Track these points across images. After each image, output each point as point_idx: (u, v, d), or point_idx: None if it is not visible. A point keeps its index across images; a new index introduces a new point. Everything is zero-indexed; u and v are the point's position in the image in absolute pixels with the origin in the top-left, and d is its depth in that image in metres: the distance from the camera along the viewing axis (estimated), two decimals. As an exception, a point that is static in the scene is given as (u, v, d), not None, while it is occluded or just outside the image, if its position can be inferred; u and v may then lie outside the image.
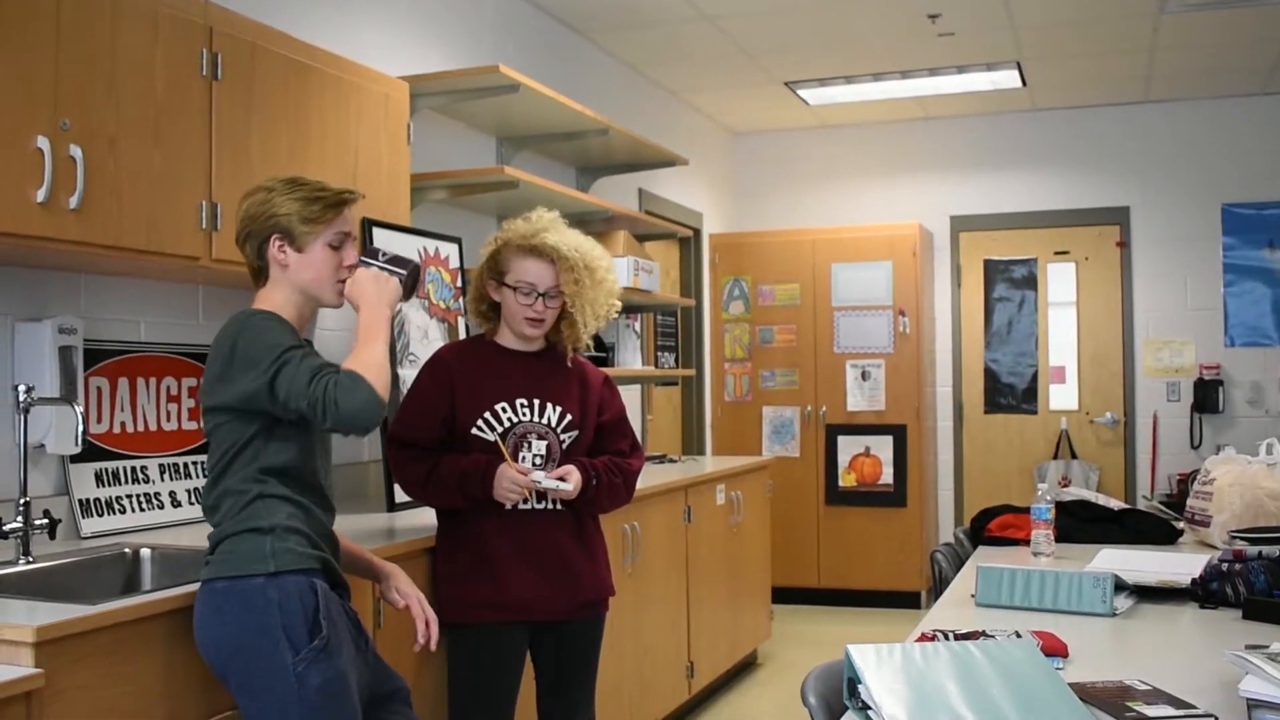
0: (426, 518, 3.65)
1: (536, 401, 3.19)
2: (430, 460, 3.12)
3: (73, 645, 2.15)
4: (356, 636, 2.55)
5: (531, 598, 3.14)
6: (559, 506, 3.17)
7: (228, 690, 2.40)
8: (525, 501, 3.12)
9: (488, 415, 3.13)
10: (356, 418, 2.33)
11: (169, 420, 3.41)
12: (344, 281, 2.59)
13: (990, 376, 8.17)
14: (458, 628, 3.14)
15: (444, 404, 3.15)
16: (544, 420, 3.18)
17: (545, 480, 3.06)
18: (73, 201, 2.64)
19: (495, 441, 3.10)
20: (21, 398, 2.81)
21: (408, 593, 2.87)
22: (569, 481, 3.09)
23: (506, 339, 3.27)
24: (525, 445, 3.15)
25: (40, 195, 2.57)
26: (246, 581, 2.35)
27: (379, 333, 2.49)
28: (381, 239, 3.73)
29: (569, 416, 3.22)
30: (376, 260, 2.61)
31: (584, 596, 3.24)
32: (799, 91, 7.47)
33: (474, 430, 3.12)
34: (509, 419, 3.15)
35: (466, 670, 3.16)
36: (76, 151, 2.65)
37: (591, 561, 3.27)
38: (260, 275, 2.60)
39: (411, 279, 2.63)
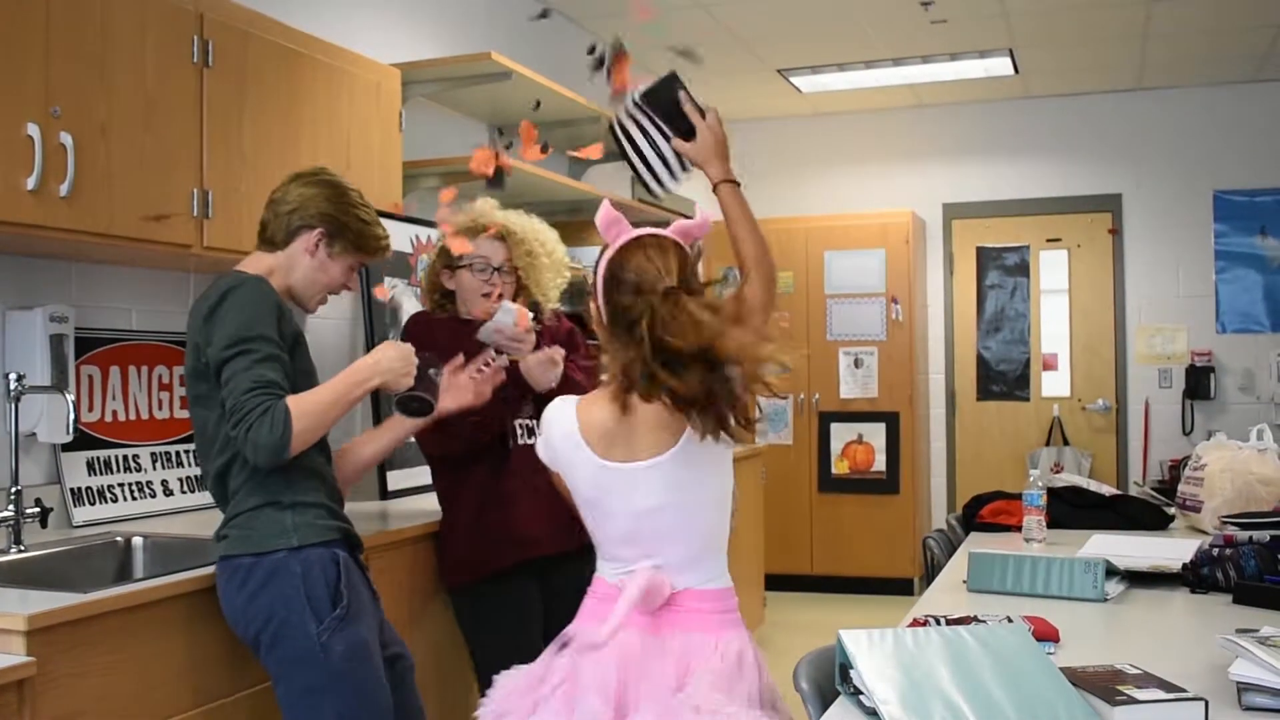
0: (420, 504, 3.66)
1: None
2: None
3: (65, 633, 2.16)
4: (371, 597, 2.61)
5: (541, 534, 3.18)
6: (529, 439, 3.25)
7: (257, 659, 2.48)
8: (530, 436, 3.19)
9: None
10: (259, 451, 2.36)
11: (160, 409, 3.41)
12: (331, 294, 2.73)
13: (983, 363, 8.18)
14: (473, 588, 3.20)
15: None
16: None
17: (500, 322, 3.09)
18: (63, 189, 2.64)
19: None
20: (12, 386, 2.81)
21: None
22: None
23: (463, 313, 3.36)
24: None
25: (31, 183, 2.57)
26: (270, 557, 2.42)
27: (350, 388, 2.51)
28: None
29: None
30: (429, 372, 2.68)
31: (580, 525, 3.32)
32: (792, 79, 7.46)
33: None
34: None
35: (492, 631, 3.19)
36: (67, 139, 2.65)
37: None
38: (270, 241, 2.66)
39: (419, 408, 2.70)
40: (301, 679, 2.41)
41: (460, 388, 2.96)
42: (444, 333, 3.22)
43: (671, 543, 2.22)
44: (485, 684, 3.18)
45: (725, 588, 2.29)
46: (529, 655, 3.15)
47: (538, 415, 2.53)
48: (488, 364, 3.03)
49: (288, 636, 2.40)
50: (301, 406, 2.38)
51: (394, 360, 2.57)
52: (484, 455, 3.19)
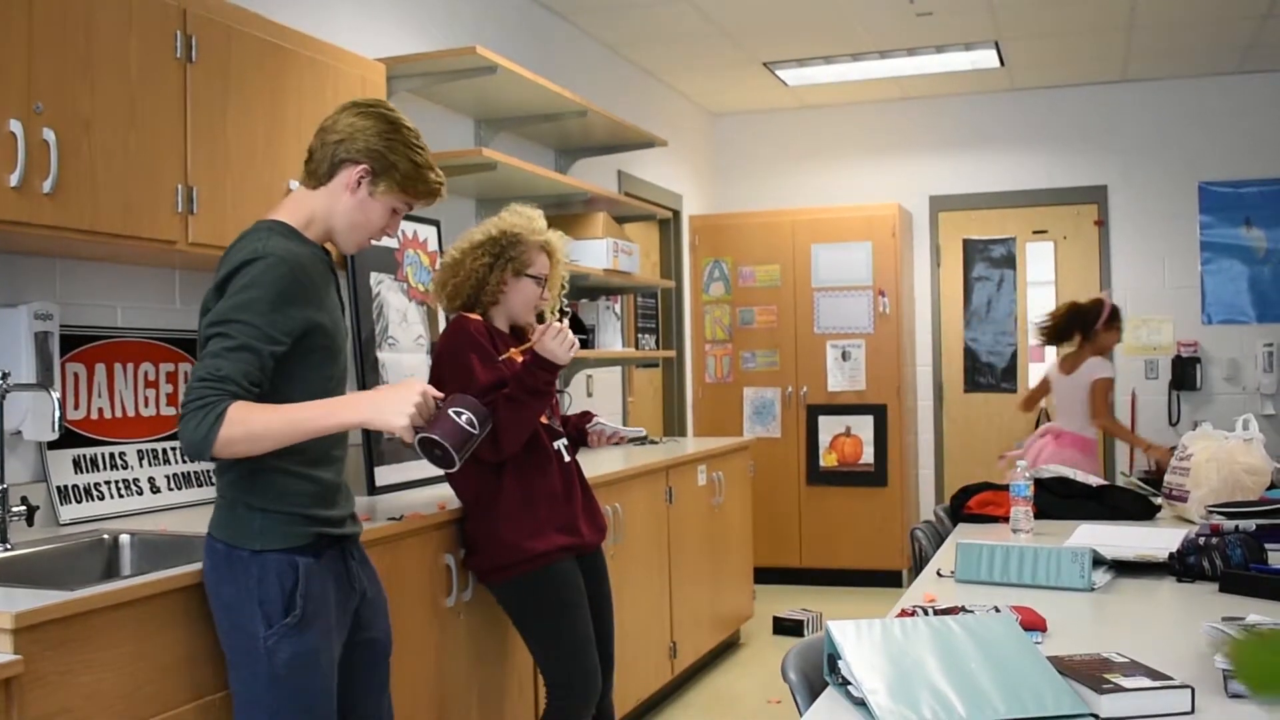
0: (406, 500, 3.66)
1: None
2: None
3: (52, 631, 2.15)
4: (345, 599, 2.57)
5: (584, 526, 3.50)
6: (567, 457, 3.52)
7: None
8: (568, 455, 3.53)
9: None
10: (182, 445, 2.28)
11: (147, 406, 3.40)
12: (373, 241, 2.65)
13: (970, 355, 8.20)
14: (527, 576, 3.36)
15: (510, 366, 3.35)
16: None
17: (627, 430, 3.69)
18: (47, 185, 2.62)
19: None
20: (-3, 384, 2.80)
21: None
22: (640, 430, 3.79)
23: (497, 323, 3.49)
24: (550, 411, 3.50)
25: (13, 179, 2.55)
26: (236, 552, 2.40)
27: (319, 419, 2.34)
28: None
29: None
30: (460, 419, 2.39)
31: (602, 524, 3.65)
32: (778, 72, 7.46)
33: None
34: None
35: (555, 616, 3.38)
36: (50, 135, 2.63)
37: (594, 500, 3.66)
38: (314, 175, 2.56)
39: (441, 457, 2.41)
40: (246, 676, 2.41)
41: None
42: (484, 337, 3.37)
43: None
44: (553, 671, 3.30)
45: None
46: (586, 633, 3.40)
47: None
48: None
49: (237, 633, 2.40)
50: (247, 419, 2.25)
51: (391, 402, 2.34)
52: (526, 457, 3.37)
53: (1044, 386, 6.18)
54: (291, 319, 2.37)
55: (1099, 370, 5.86)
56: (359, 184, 2.53)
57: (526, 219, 3.49)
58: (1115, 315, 5.98)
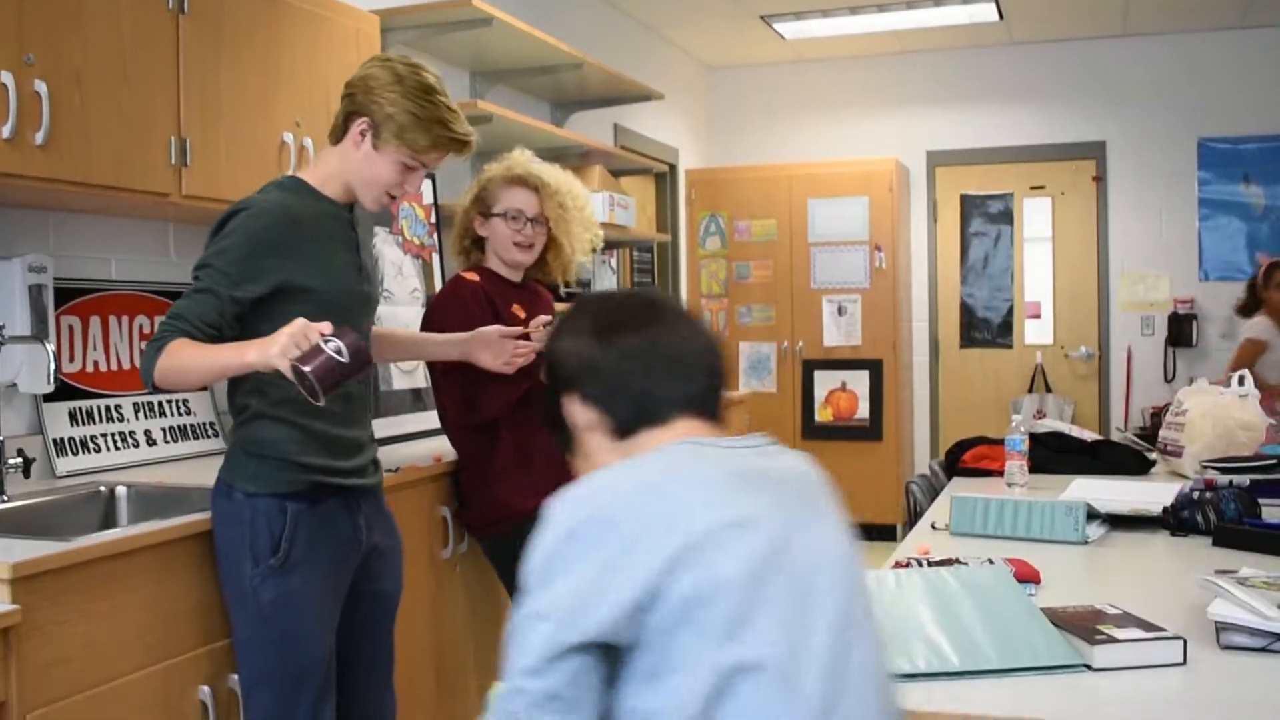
0: (403, 453, 3.66)
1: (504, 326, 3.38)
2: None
3: (49, 581, 2.16)
4: (345, 548, 2.60)
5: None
6: None
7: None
8: None
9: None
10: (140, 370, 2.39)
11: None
12: (393, 198, 2.63)
13: (966, 311, 8.19)
14: (516, 530, 3.22)
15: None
16: None
17: None
18: (39, 137, 2.60)
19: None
20: (-8, 336, 2.79)
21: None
22: None
23: (496, 268, 3.49)
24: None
25: (5, 131, 2.53)
26: (234, 494, 2.48)
27: (230, 358, 2.33)
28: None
29: None
30: (328, 346, 2.24)
31: None
32: (775, 25, 7.40)
33: None
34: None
35: None
36: (42, 87, 2.61)
37: None
38: (333, 130, 2.63)
39: (307, 389, 2.26)
40: (239, 616, 2.50)
41: (502, 351, 3.14)
42: (475, 301, 3.35)
43: None
44: None
45: None
46: None
47: None
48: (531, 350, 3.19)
49: (231, 572, 2.49)
50: (179, 354, 2.31)
51: (275, 340, 2.25)
52: (519, 416, 3.33)
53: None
54: (262, 269, 2.43)
55: (1250, 331, 6.08)
56: (363, 137, 2.55)
57: (506, 160, 3.47)
58: (1270, 271, 6.12)
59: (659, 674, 1.38)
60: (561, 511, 1.46)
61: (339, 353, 2.23)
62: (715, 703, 1.36)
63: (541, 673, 1.38)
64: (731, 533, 1.43)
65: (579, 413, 1.62)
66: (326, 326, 2.27)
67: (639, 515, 1.43)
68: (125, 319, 3.35)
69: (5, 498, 2.75)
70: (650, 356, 1.59)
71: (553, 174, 3.47)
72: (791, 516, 1.55)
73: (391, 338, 3.17)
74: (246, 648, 2.49)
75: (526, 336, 3.23)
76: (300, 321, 2.26)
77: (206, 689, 2.51)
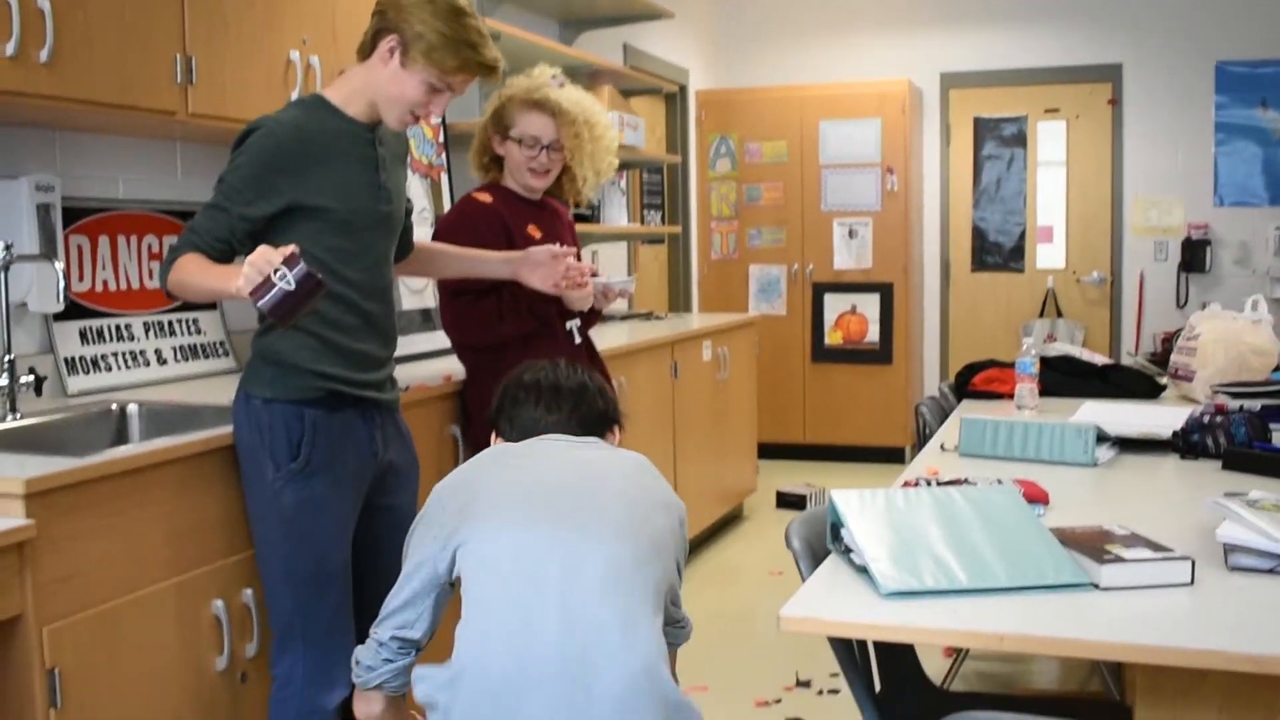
0: (413, 372, 3.65)
1: (559, 245, 3.38)
2: (491, 296, 3.31)
3: (63, 497, 2.17)
4: (362, 459, 2.64)
5: None
6: (578, 339, 3.49)
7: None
8: (580, 337, 3.49)
9: None
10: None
11: (152, 279, 3.39)
12: (417, 118, 2.61)
13: (978, 235, 8.14)
14: None
15: (502, 249, 3.28)
16: None
17: (614, 279, 3.44)
18: (43, 55, 2.57)
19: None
20: (1, 255, 2.78)
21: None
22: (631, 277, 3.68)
23: (512, 187, 3.46)
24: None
25: (9, 49, 2.50)
26: (253, 400, 2.53)
27: (218, 281, 2.35)
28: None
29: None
30: (290, 269, 2.21)
31: None
32: (788, -57, 7.28)
33: None
34: None
35: None
36: (45, 3, 2.57)
37: (608, 381, 3.62)
38: (361, 48, 2.62)
39: (274, 309, 2.23)
40: (261, 521, 2.55)
41: (552, 273, 3.14)
42: (486, 224, 3.33)
43: None
44: None
45: None
46: None
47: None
48: (595, 273, 3.27)
49: (253, 476, 2.54)
50: (185, 267, 2.42)
51: (243, 272, 2.23)
52: (537, 339, 3.34)
53: None
54: (272, 187, 2.47)
55: None
56: (391, 54, 2.54)
57: (526, 80, 3.41)
58: None
59: None
60: None
61: (286, 282, 2.21)
62: None
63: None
64: None
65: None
66: (289, 250, 2.23)
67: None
68: (134, 238, 3.34)
69: (17, 415, 2.76)
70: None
71: (573, 100, 3.40)
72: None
73: (445, 254, 3.18)
74: (270, 551, 2.54)
75: (577, 258, 3.25)
76: (260, 250, 2.24)
77: (220, 603, 2.54)
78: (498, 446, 2.34)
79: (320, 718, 2.57)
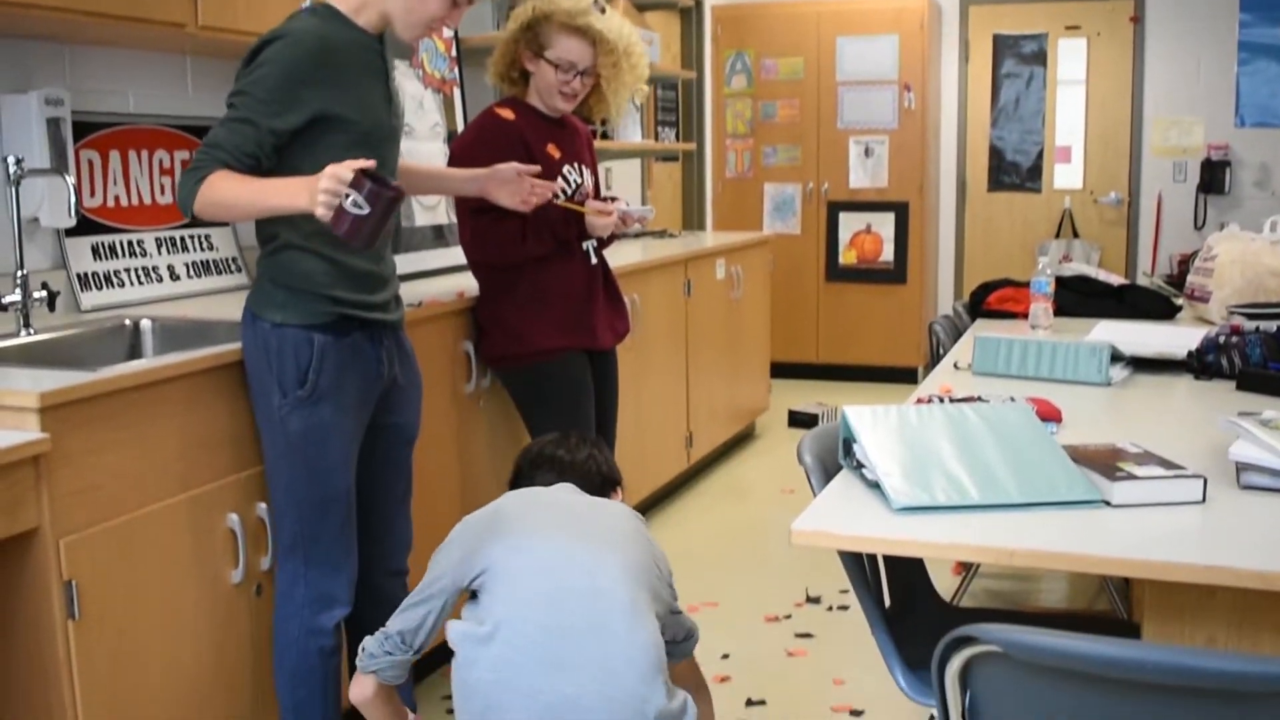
0: (426, 288, 3.65)
1: (577, 164, 3.45)
2: (513, 217, 3.27)
3: (77, 410, 2.18)
4: (369, 381, 2.62)
5: (599, 328, 3.51)
6: (594, 259, 3.50)
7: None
8: (596, 258, 3.51)
9: (560, 180, 3.37)
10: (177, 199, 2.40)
11: (163, 194, 3.37)
12: (432, 32, 2.59)
13: (995, 154, 8.06)
14: (534, 367, 3.42)
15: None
16: (584, 182, 3.48)
17: (633, 207, 3.42)
18: (51, -36, 2.54)
19: (572, 198, 3.39)
20: (11, 170, 2.77)
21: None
22: (649, 207, 3.68)
23: (536, 104, 3.42)
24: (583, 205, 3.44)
25: (16, -44, 2.48)
26: (260, 323, 2.50)
27: (269, 197, 2.32)
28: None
29: (591, 177, 3.55)
30: (360, 191, 2.20)
31: (623, 327, 3.67)
32: None
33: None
34: (574, 180, 3.43)
35: (552, 405, 3.42)
36: (53, -89, 2.54)
37: (620, 300, 3.69)
38: None
39: (352, 233, 2.23)
40: (268, 443, 2.55)
41: (519, 189, 3.13)
42: (507, 141, 3.30)
43: None
44: None
45: None
46: (588, 428, 3.46)
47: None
48: (556, 195, 3.25)
49: (260, 399, 2.53)
50: (219, 186, 2.31)
51: (315, 189, 2.22)
52: (558, 257, 3.37)
53: None
54: (300, 98, 2.38)
55: None
56: None
57: (570, 1, 3.32)
58: None
59: None
60: None
61: (357, 206, 2.20)
62: None
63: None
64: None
65: None
66: (362, 163, 2.22)
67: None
68: (145, 153, 3.33)
69: (31, 330, 2.77)
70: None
71: (614, 28, 3.34)
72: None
73: (413, 171, 3.12)
74: (276, 473, 2.55)
75: (543, 175, 3.20)
76: (328, 172, 2.21)
77: (235, 516, 2.56)
78: (519, 490, 2.48)
79: (320, 637, 2.59)
